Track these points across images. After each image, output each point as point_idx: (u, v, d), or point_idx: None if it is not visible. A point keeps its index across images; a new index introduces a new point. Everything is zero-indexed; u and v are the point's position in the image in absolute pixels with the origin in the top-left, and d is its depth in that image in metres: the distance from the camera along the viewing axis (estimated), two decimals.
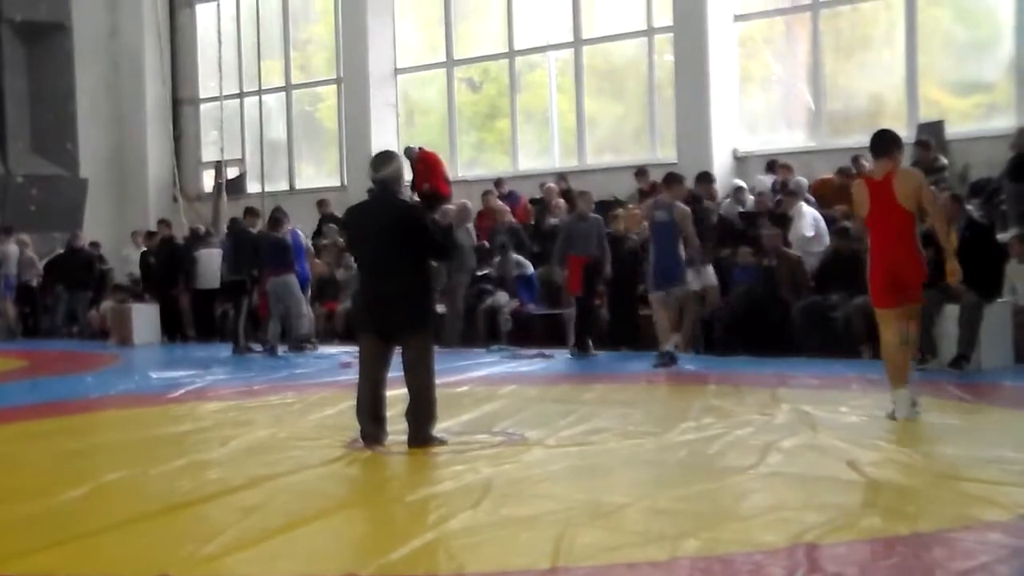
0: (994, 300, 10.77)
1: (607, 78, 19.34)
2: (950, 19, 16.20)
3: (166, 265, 18.27)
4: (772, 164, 15.84)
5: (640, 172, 16.62)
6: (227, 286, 16.02)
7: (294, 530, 5.12)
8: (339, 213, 18.54)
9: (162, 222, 19.56)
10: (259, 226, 15.80)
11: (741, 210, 14.91)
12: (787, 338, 12.42)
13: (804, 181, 15.00)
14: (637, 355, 12.59)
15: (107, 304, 19.49)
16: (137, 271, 19.95)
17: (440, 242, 7.83)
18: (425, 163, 17.96)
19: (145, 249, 19.66)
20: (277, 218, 15.29)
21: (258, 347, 15.35)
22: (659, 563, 4.42)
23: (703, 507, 5.42)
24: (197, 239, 18.04)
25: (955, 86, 15.96)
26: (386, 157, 7.56)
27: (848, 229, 12.99)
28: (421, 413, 7.25)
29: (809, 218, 13.66)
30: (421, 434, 7.20)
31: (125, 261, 21.05)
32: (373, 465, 6.93)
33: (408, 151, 18.05)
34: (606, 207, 16.25)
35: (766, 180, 15.33)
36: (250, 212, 16.34)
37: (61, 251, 20.88)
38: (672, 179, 12.05)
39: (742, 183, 15.48)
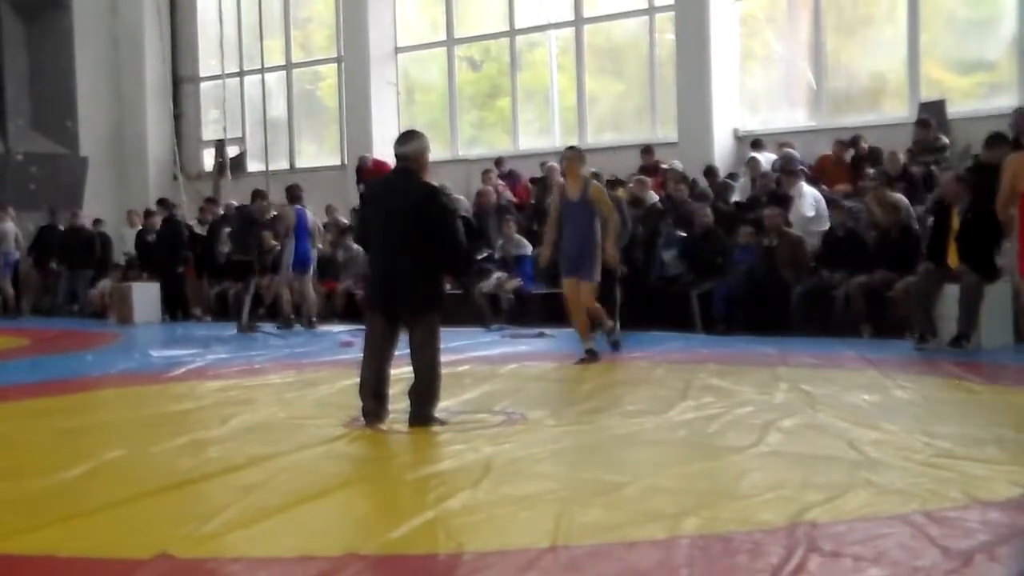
0: (995, 280, 10.76)
1: (608, 57, 19.30)
2: None
3: (169, 244, 18.25)
4: (758, 142, 15.78)
5: (645, 150, 16.66)
6: (234, 265, 16.12)
7: (294, 508, 5.13)
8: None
9: (162, 202, 19.54)
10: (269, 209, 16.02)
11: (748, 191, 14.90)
12: (787, 317, 12.43)
13: (796, 155, 14.97)
14: (641, 334, 12.60)
15: (105, 282, 19.50)
16: (132, 250, 19.99)
17: (454, 234, 7.41)
18: (372, 174, 17.93)
19: (141, 228, 19.66)
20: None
21: (265, 326, 15.46)
22: (658, 541, 4.42)
23: (702, 486, 5.42)
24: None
25: (957, 65, 15.92)
26: (411, 134, 7.48)
27: (845, 206, 13.03)
28: (424, 393, 7.25)
29: (810, 198, 13.64)
30: (422, 413, 7.21)
31: (121, 240, 21.07)
32: (373, 444, 6.94)
33: (363, 159, 18.47)
34: (607, 186, 16.25)
35: (763, 160, 15.29)
36: (258, 195, 16.39)
37: (44, 224, 20.83)
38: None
39: (756, 155, 15.37)
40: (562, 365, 10.39)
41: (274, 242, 15.56)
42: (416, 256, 7.17)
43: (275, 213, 15.81)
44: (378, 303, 7.36)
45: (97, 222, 20.86)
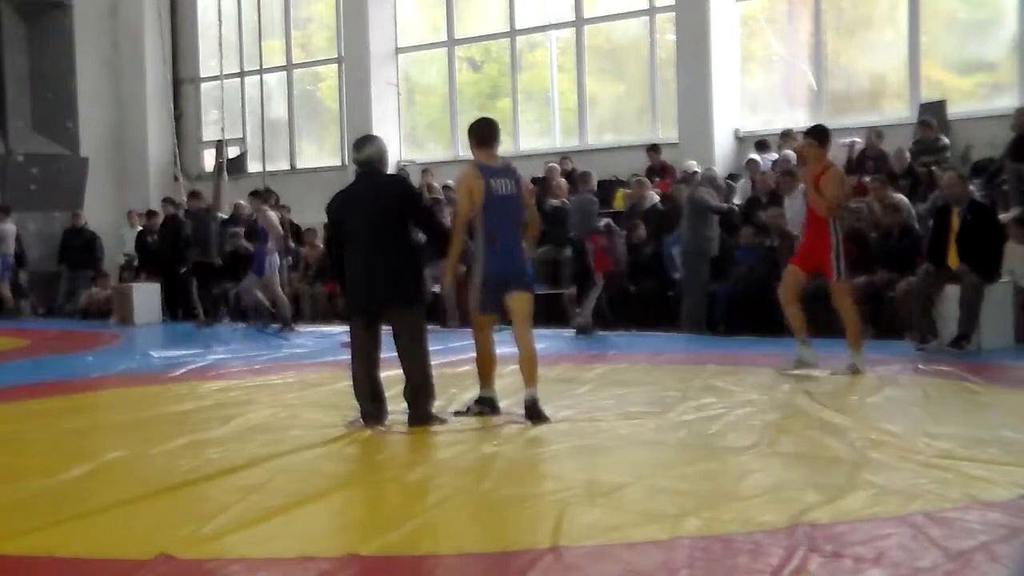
0: (995, 280, 10.77)
1: (608, 57, 19.30)
2: None
3: (171, 244, 18.25)
4: (763, 143, 15.78)
5: (652, 148, 16.65)
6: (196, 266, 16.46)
7: (295, 510, 5.13)
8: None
9: (167, 200, 19.55)
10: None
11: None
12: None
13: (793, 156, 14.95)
14: (643, 335, 12.63)
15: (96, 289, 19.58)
16: (132, 250, 20.04)
17: (431, 217, 7.82)
18: None
19: (142, 228, 19.66)
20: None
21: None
22: (659, 542, 4.42)
23: (703, 487, 5.42)
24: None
25: (957, 65, 15.92)
26: (367, 139, 7.65)
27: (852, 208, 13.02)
28: (420, 391, 7.27)
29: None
30: (420, 412, 7.22)
31: (120, 240, 21.08)
32: (373, 445, 6.93)
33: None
34: (607, 186, 16.29)
35: (763, 160, 15.29)
36: (193, 195, 16.59)
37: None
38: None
39: (755, 156, 15.39)
40: (562, 366, 10.38)
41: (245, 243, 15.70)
42: (397, 251, 7.23)
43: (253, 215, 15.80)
44: (359, 305, 7.37)
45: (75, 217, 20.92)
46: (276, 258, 15.53)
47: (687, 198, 13.58)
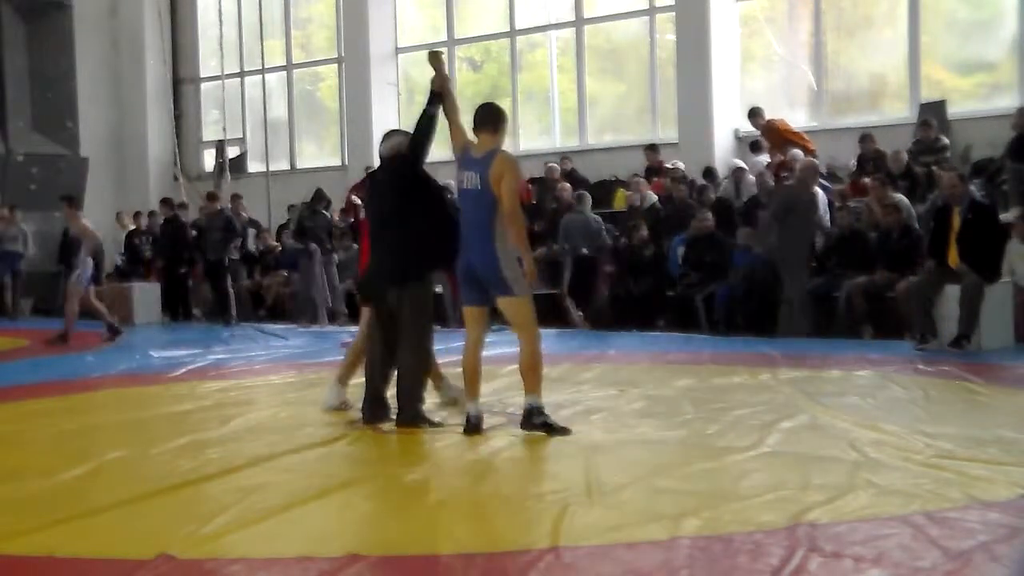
0: (995, 280, 10.76)
1: (608, 57, 19.30)
2: None
3: (172, 244, 18.24)
4: (756, 144, 15.79)
5: (649, 148, 16.66)
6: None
7: (295, 509, 5.13)
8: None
9: (165, 201, 19.54)
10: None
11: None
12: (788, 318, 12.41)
13: (800, 155, 14.93)
14: (643, 335, 12.64)
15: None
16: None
17: (440, 200, 7.58)
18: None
19: (133, 228, 19.64)
20: None
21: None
22: (659, 542, 4.42)
23: (703, 487, 5.42)
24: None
25: (957, 65, 15.92)
26: (389, 134, 7.68)
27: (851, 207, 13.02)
28: (405, 392, 7.20)
29: (823, 206, 13.57)
30: (404, 414, 7.17)
31: (116, 242, 21.07)
32: (374, 444, 6.94)
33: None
34: (607, 187, 16.30)
35: (760, 161, 15.30)
36: (211, 197, 16.59)
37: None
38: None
39: (741, 163, 15.45)
40: (563, 366, 10.39)
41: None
42: (401, 234, 7.19)
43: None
44: (368, 287, 7.41)
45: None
46: (90, 267, 14.72)
47: (787, 193, 12.77)
